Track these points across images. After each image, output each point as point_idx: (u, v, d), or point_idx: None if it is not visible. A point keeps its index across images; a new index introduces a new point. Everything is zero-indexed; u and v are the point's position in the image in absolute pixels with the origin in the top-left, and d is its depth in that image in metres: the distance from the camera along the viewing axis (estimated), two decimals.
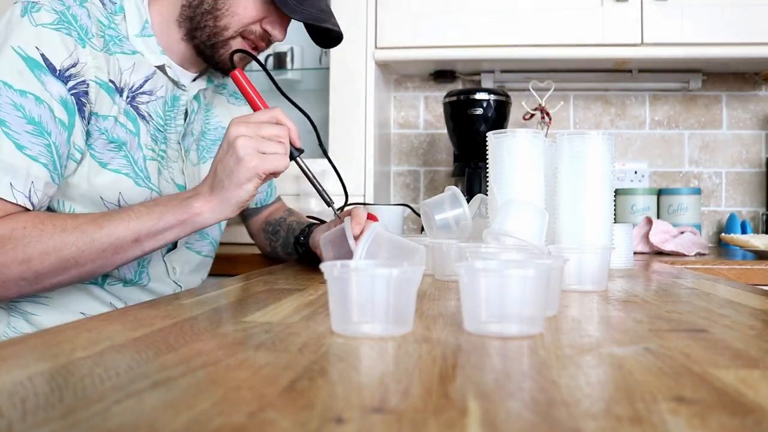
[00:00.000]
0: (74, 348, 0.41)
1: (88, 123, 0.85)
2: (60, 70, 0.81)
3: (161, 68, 0.95)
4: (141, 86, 0.92)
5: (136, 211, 0.80)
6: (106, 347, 0.42)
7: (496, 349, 0.42)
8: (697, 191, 1.67)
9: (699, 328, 0.50)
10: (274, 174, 0.80)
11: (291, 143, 0.83)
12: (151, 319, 0.52)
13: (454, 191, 0.97)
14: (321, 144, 0.94)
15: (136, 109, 0.91)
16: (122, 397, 0.31)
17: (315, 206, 1.60)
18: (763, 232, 1.77)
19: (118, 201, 0.89)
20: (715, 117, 1.87)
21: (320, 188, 0.88)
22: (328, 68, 1.69)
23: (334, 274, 0.47)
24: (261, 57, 0.98)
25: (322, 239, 0.85)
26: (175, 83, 0.98)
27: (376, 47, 1.64)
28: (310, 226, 1.08)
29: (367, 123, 1.65)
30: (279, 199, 1.31)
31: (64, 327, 0.49)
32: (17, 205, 0.77)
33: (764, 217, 1.79)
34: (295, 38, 1.86)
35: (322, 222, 1.10)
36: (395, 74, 1.94)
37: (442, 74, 1.88)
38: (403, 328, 0.47)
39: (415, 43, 1.64)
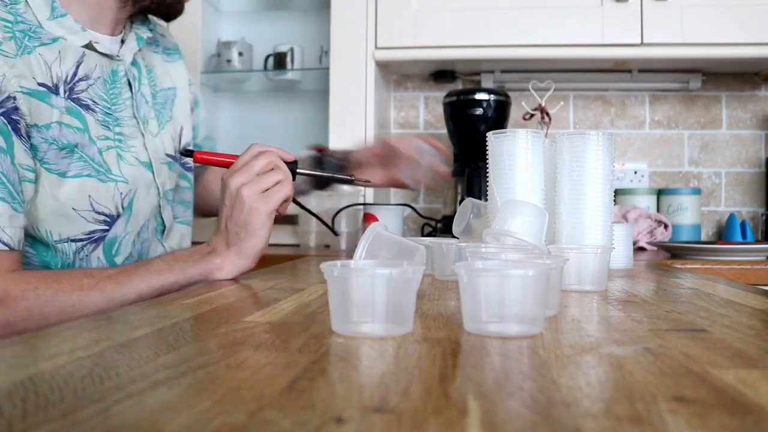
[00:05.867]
0: (74, 348, 0.41)
1: (29, 138, 0.79)
2: None
3: (89, 47, 0.88)
4: (75, 74, 0.86)
5: (155, 266, 0.80)
6: (106, 347, 0.42)
7: (496, 349, 0.42)
8: (697, 191, 1.67)
9: (699, 328, 0.50)
10: (285, 203, 0.82)
11: (285, 162, 0.84)
12: (151, 319, 0.52)
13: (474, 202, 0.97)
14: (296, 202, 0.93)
15: (77, 101, 0.86)
16: (122, 397, 0.31)
17: (315, 206, 1.60)
18: (762, 233, 1.77)
19: (91, 206, 0.86)
20: (714, 117, 1.87)
21: (332, 176, 0.89)
22: (328, 68, 1.69)
23: (334, 273, 0.47)
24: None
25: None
26: (109, 57, 0.91)
27: (376, 47, 1.64)
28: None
29: (367, 123, 1.65)
30: None
31: (64, 327, 0.49)
32: None
33: (764, 218, 1.79)
34: (295, 38, 1.86)
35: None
36: (395, 74, 1.94)
37: (442, 74, 1.88)
38: (403, 328, 0.47)
39: (415, 43, 1.64)
